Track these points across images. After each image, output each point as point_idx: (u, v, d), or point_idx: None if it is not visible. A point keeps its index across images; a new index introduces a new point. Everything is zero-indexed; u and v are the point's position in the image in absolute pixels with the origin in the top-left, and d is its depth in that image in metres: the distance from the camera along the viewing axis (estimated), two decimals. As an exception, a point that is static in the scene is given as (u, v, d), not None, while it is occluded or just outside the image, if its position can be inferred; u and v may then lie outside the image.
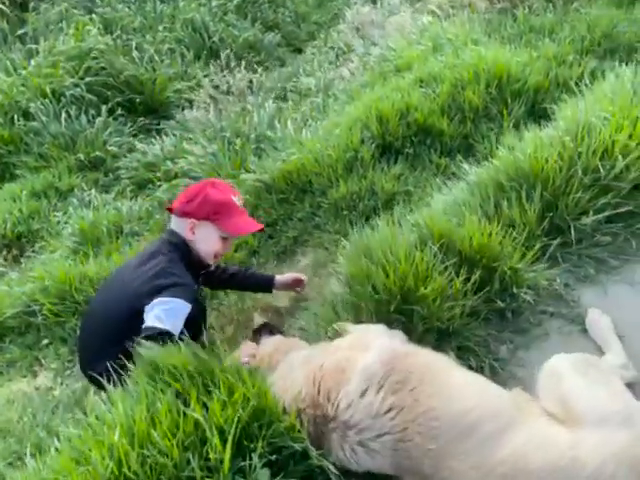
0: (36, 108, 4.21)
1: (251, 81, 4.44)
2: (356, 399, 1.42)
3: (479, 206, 2.11)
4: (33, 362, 2.44)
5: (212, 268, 2.14)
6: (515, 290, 1.84)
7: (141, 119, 4.48)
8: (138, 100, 4.62)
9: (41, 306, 2.54)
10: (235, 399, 1.43)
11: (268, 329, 1.95)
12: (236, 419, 1.39)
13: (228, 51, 5.44)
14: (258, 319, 2.33)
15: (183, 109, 4.38)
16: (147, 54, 5.11)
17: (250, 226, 2.08)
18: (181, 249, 1.95)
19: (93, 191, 3.66)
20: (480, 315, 1.85)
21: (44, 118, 4.17)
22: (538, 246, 1.98)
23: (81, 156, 3.96)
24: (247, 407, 1.42)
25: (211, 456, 1.35)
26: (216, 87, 4.49)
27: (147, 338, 1.64)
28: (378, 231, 1.96)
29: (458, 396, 1.37)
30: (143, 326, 1.72)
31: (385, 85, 3.34)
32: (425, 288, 1.78)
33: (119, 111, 4.45)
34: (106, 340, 1.81)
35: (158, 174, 3.65)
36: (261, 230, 2.20)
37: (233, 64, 5.35)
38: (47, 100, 4.26)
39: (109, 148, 4.07)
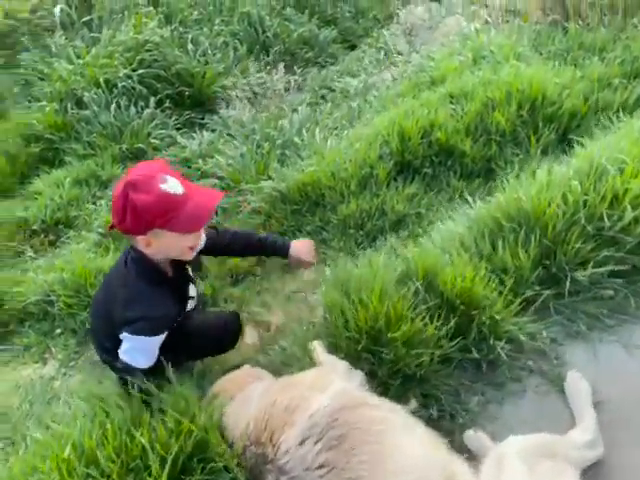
0: (89, 97, 4.42)
1: (291, 81, 4.43)
2: (294, 446, 1.41)
3: (474, 243, 2.02)
4: (45, 349, 2.62)
5: (194, 255, 1.81)
6: (492, 341, 1.76)
7: (187, 112, 4.60)
8: (187, 93, 4.74)
9: (58, 297, 2.70)
10: (181, 429, 1.48)
11: None
12: (177, 449, 1.45)
13: (280, 47, 5.49)
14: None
15: (227, 105, 4.44)
16: (202, 47, 5.23)
17: (205, 207, 1.63)
18: (146, 264, 1.69)
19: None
20: (453, 363, 1.79)
21: (96, 108, 4.38)
22: (528, 294, 1.88)
23: (125, 146, 4.13)
24: (191, 439, 1.47)
25: (149, 483, 1.41)
26: (261, 84, 4.53)
27: (123, 367, 1.68)
28: (359, 264, 1.93)
29: (392, 469, 1.32)
30: (119, 352, 1.70)
31: (415, 98, 3.24)
32: (396, 330, 1.74)
33: (167, 103, 4.58)
34: (105, 334, 1.80)
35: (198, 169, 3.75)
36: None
37: (284, 60, 5.40)
38: (100, 90, 4.46)
39: (152, 140, 4.22)
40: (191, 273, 1.95)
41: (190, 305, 1.94)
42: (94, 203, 3.67)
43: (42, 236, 3.48)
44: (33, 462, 1.44)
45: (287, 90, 4.18)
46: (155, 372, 1.69)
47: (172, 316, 1.74)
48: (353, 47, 6.00)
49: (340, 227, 2.71)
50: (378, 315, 1.76)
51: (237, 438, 1.53)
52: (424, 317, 1.78)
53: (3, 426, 2.13)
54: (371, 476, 1.31)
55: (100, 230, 3.20)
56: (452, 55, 3.51)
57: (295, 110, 3.99)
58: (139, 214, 1.52)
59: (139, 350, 1.67)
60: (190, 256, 1.77)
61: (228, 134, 3.97)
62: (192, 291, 1.94)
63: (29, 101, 4.67)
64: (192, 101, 4.75)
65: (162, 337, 1.71)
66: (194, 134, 4.21)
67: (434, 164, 2.84)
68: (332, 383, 1.58)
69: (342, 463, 1.34)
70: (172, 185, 1.54)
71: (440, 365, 1.77)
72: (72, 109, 4.41)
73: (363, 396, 1.57)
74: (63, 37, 5.21)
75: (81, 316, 2.64)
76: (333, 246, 2.67)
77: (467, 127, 2.88)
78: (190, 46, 5.14)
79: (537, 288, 1.89)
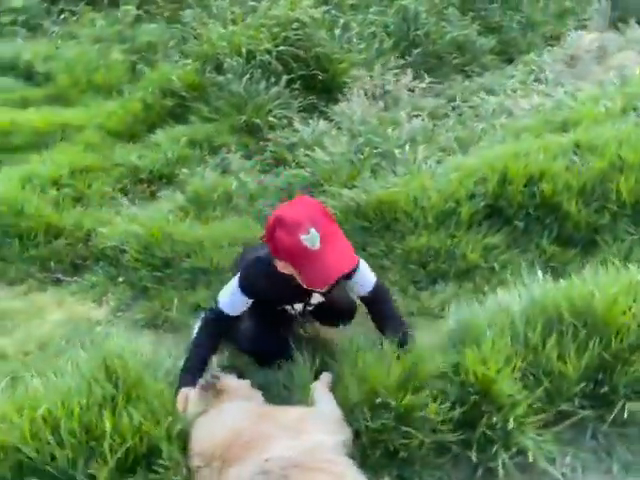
0: (229, 64, 4.59)
1: (423, 86, 4.21)
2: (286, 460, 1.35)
3: (523, 327, 1.74)
4: (105, 293, 2.82)
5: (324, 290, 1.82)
6: (496, 448, 1.52)
7: (312, 97, 4.60)
8: (320, 77, 4.73)
9: (130, 248, 2.88)
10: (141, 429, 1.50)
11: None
12: (132, 446, 1.47)
13: (428, 47, 5.24)
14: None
15: (349, 98, 4.36)
16: (349, 33, 5.18)
17: (334, 269, 1.60)
18: (267, 264, 1.76)
19: (237, 155, 3.92)
20: (448, 454, 1.58)
21: (230, 75, 4.54)
22: (564, 408, 1.59)
23: (244, 118, 4.25)
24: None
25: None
26: (390, 83, 4.37)
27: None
28: (371, 350, 1.73)
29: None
30: None
31: (537, 137, 2.89)
32: (393, 398, 1.57)
33: (297, 85, 4.60)
34: None
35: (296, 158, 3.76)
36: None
37: (428, 62, 5.17)
38: (240, 59, 4.61)
39: (270, 118, 4.28)
40: (315, 297, 1.97)
41: (291, 311, 2.05)
42: (199, 166, 3.83)
43: (145, 185, 3.72)
44: (10, 409, 1.55)
45: (411, 91, 3.96)
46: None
47: (263, 294, 1.86)
48: (510, 61, 5.56)
49: (402, 258, 2.53)
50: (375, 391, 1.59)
51: (196, 454, 1.51)
52: (430, 394, 1.59)
53: (41, 355, 2.34)
54: None
55: (189, 194, 3.33)
56: (598, 100, 3.05)
57: (415, 117, 3.79)
58: (277, 247, 1.64)
59: (229, 290, 1.85)
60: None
61: (339, 128, 3.91)
62: (298, 306, 2.03)
63: (179, 56, 4.99)
64: (322, 86, 4.74)
65: (244, 300, 1.83)
66: (311, 120, 4.19)
67: (529, 218, 2.52)
68: (310, 433, 1.49)
69: None
70: (311, 239, 1.57)
71: (431, 451, 1.57)
72: (210, 72, 4.62)
73: (329, 460, 1.44)
74: (226, 0, 5.48)
75: (142, 272, 2.79)
76: (389, 278, 2.50)
77: (582, 186, 2.50)
78: (337, 31, 5.11)
79: (577, 404, 1.59)
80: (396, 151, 3.25)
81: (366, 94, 4.26)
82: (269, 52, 4.67)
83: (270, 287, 1.80)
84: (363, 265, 1.86)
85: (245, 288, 1.82)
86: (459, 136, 3.46)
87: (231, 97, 4.46)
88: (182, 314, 2.53)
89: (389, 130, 3.52)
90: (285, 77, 4.59)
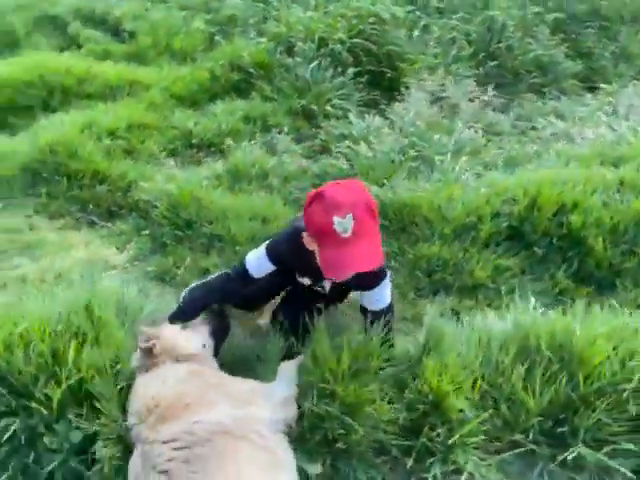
0: (300, 48, 4.66)
1: (490, 99, 4.09)
2: (160, 442, 1.40)
3: (497, 351, 1.69)
4: (129, 242, 2.97)
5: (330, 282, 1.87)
6: (431, 460, 1.49)
7: (375, 93, 4.58)
8: (388, 75, 4.70)
9: (160, 205, 3.01)
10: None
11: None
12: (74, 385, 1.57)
13: (507, 62, 5.07)
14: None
15: (409, 99, 4.30)
16: (428, 36, 5.11)
17: (348, 265, 1.50)
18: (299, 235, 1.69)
19: (288, 137, 3.99)
20: (387, 453, 1.56)
21: (299, 59, 4.60)
22: (517, 438, 1.52)
23: (302, 103, 4.30)
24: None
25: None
26: (450, 89, 4.27)
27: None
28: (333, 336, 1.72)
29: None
30: None
31: (584, 167, 2.74)
32: (342, 385, 1.57)
33: (362, 78, 4.60)
34: None
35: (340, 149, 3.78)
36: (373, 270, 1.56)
37: (503, 76, 5.02)
38: (312, 45, 4.66)
39: (328, 107, 4.31)
40: (327, 283, 1.95)
41: (303, 282, 1.98)
42: (249, 141, 3.93)
43: (194, 151, 3.87)
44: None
45: (471, 102, 3.87)
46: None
47: (285, 264, 1.84)
48: (592, 89, 5.26)
49: (411, 264, 2.49)
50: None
51: (133, 411, 1.54)
52: (381, 392, 1.58)
53: (53, 284, 2.51)
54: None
55: (229, 165, 3.44)
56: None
57: (469, 129, 3.70)
58: (308, 221, 1.58)
59: (257, 252, 1.87)
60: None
61: (392, 127, 3.88)
62: (307, 281, 1.96)
63: (255, 34, 5.10)
64: (387, 84, 4.70)
65: (268, 265, 1.84)
66: (367, 115, 4.18)
67: (551, 247, 2.42)
68: (252, 406, 1.52)
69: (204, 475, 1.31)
70: (344, 224, 1.48)
71: (371, 449, 1.56)
72: (280, 54, 4.70)
73: (260, 433, 1.45)
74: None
75: (165, 229, 2.92)
76: (397, 281, 2.47)
77: (615, 224, 2.36)
78: (416, 32, 5.05)
79: (531, 437, 1.52)
80: (437, 158, 3.20)
81: (427, 98, 4.20)
82: (342, 42, 4.69)
83: (293, 258, 1.79)
84: (388, 282, 1.79)
85: (271, 255, 1.83)
86: (510, 155, 3.34)
87: (295, 80, 4.52)
88: (190, 274, 2.63)
89: (437, 136, 3.46)
90: (352, 69, 4.59)
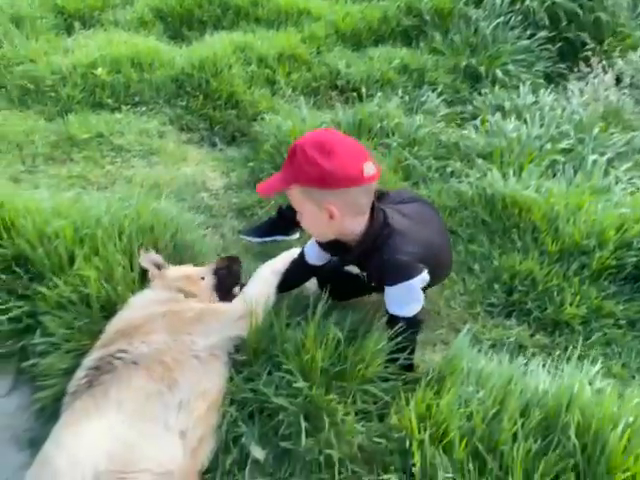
0: (490, 1, 4.10)
1: None
2: (130, 353, 1.42)
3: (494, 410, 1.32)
4: (234, 170, 2.99)
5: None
6: None
7: (563, 66, 3.92)
8: (588, 46, 3.93)
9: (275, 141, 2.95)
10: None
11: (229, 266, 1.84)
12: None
13: None
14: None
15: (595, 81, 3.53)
16: None
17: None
18: None
19: (438, 98, 3.58)
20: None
21: (485, 12, 4.07)
22: None
23: (473, 62, 3.81)
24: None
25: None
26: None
27: None
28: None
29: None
30: None
31: None
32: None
33: (554, 45, 3.95)
34: None
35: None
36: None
37: None
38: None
39: (498, 72, 3.76)
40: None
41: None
42: (393, 92, 3.62)
43: (336, 93, 3.72)
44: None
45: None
46: None
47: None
48: None
49: (492, 273, 2.08)
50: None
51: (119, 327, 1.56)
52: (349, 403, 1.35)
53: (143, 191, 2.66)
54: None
55: (349, 118, 3.21)
56: None
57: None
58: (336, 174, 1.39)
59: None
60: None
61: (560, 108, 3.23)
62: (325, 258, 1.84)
63: None
64: (583, 58, 3.93)
65: (318, 252, 1.77)
66: (543, 90, 3.54)
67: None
68: (189, 335, 1.48)
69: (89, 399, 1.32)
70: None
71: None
72: (467, 4, 4.18)
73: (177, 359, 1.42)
74: None
75: (265, 165, 2.88)
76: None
77: None
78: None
79: None
80: (590, 158, 2.58)
81: (623, 84, 3.40)
82: (543, 2, 4.00)
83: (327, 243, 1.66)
84: (414, 288, 1.48)
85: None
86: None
87: (472, 35, 4.02)
88: (268, 215, 2.57)
89: (608, 132, 2.79)
90: (544, 33, 3.94)
